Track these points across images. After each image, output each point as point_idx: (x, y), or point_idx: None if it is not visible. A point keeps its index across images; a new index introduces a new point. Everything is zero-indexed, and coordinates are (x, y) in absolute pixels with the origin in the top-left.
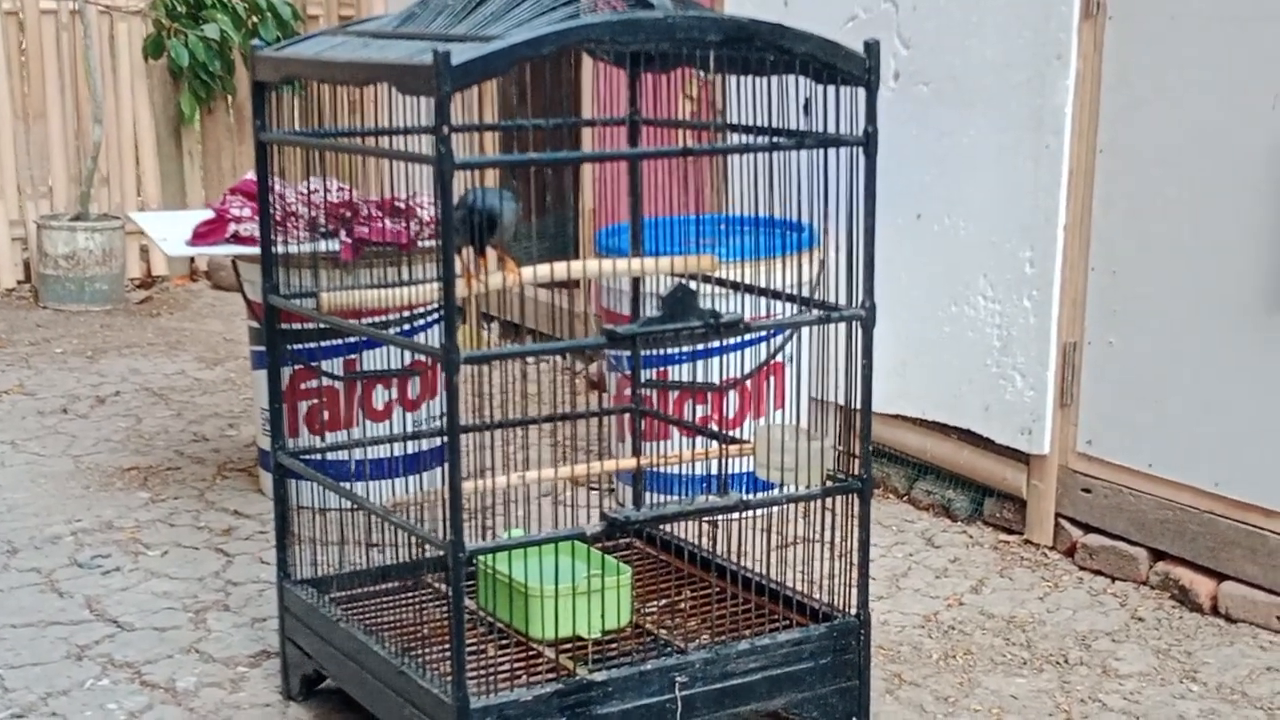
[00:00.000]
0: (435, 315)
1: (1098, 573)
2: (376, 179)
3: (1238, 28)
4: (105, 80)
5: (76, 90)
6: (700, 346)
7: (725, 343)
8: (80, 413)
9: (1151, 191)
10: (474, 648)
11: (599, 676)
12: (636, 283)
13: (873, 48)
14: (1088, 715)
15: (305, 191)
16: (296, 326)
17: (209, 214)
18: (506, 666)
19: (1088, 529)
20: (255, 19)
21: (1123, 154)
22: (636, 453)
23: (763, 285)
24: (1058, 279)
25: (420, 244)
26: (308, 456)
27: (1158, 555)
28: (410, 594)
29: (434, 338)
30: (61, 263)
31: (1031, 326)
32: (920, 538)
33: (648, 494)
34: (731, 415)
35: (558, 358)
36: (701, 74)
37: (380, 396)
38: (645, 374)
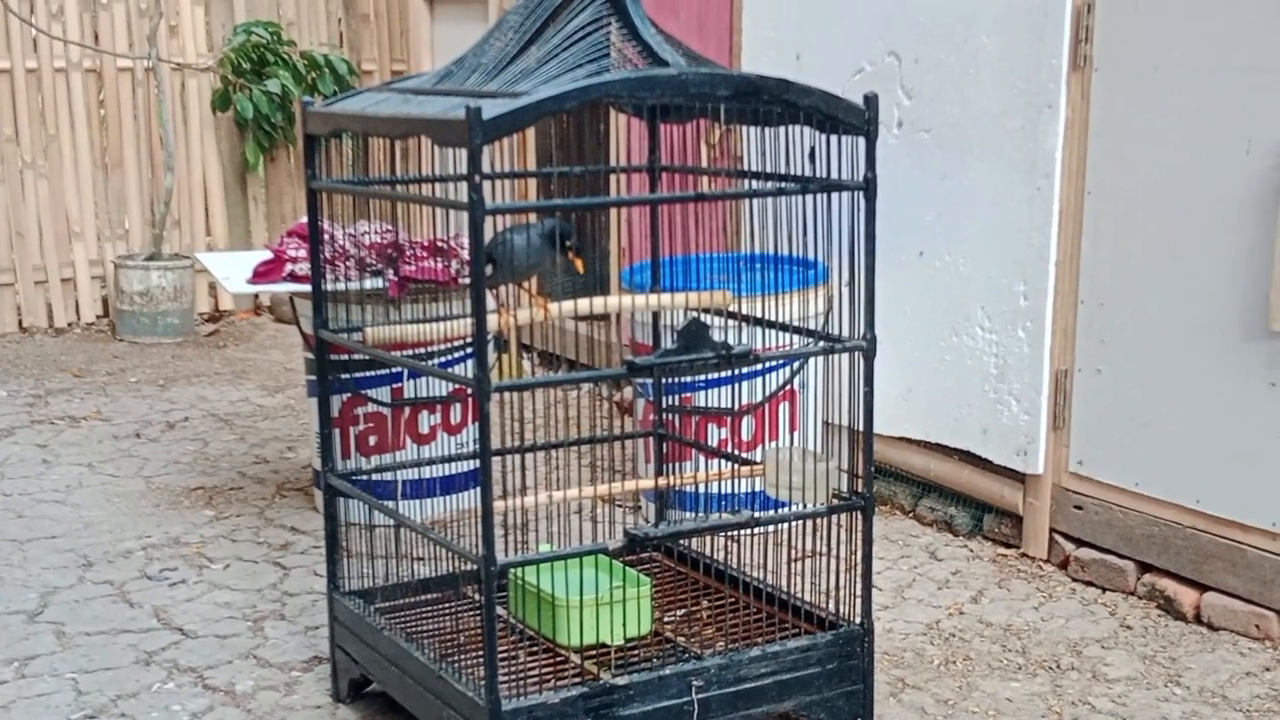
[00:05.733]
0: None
1: (1089, 584)
2: (421, 221)
3: (1214, 78)
4: (177, 132)
5: (151, 141)
6: (716, 375)
7: (740, 371)
8: (152, 437)
9: (1136, 230)
10: (506, 654)
11: (621, 681)
12: (657, 317)
13: (871, 100)
14: (1078, 717)
15: (354, 233)
16: (348, 357)
17: (268, 254)
18: (536, 671)
19: (1080, 543)
20: (314, 75)
21: (1109, 195)
22: (658, 473)
23: (774, 319)
24: (1049, 311)
25: (461, 281)
26: (356, 477)
27: (1145, 568)
28: (448, 604)
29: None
30: (136, 299)
31: (1025, 355)
32: (924, 551)
33: (673, 511)
34: (748, 439)
35: (595, 386)
36: (720, 124)
37: (425, 421)
38: (671, 400)
